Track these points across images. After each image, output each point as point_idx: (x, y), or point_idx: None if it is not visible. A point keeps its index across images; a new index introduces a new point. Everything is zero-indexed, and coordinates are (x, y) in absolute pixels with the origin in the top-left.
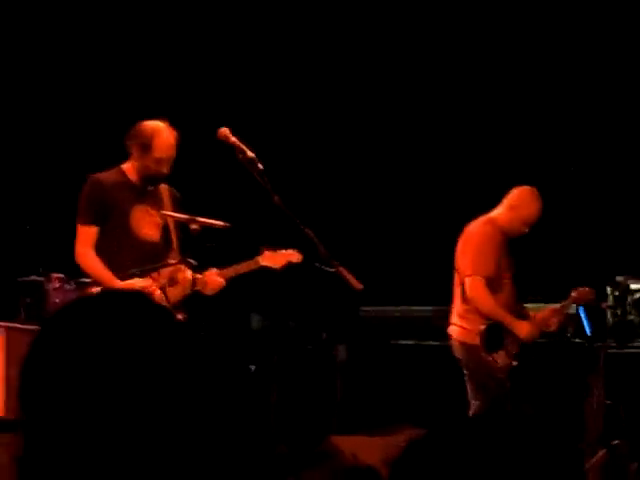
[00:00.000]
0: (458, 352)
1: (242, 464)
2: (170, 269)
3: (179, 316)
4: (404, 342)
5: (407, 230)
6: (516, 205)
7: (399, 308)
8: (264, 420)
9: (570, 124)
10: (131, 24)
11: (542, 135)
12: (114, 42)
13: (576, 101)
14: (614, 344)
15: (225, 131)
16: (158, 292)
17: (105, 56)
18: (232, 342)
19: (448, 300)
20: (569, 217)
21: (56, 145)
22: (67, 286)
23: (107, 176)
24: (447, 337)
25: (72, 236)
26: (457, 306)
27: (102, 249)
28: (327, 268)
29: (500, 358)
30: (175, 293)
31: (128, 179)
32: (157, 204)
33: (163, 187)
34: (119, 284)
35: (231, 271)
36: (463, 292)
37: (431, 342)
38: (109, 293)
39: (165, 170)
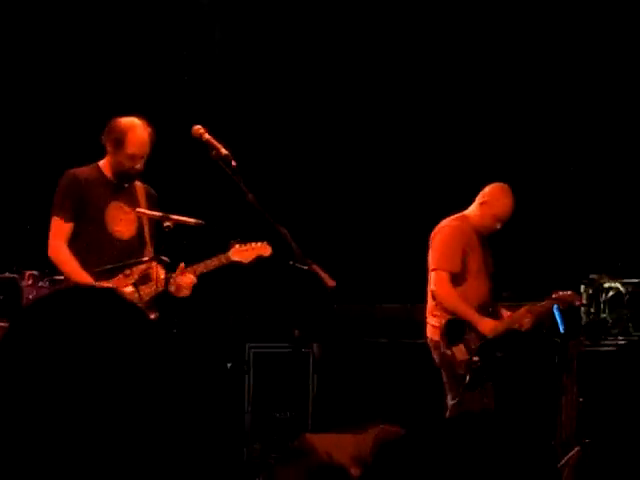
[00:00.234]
0: (431, 349)
1: (215, 460)
2: (143, 267)
3: (151, 314)
4: (378, 340)
5: (381, 227)
6: (487, 201)
7: (373, 305)
8: (238, 417)
9: (548, 123)
10: (112, 21)
11: (520, 135)
12: (93, 39)
13: (556, 100)
14: (587, 342)
15: (199, 128)
16: (130, 289)
17: (82, 52)
18: (207, 340)
19: (423, 298)
20: (543, 215)
21: (28, 142)
22: (41, 283)
23: (83, 171)
24: (421, 334)
25: (45, 233)
26: (429, 303)
27: (76, 244)
28: (301, 266)
29: (459, 352)
30: (148, 291)
31: (104, 175)
32: (132, 201)
33: (139, 185)
34: (89, 282)
35: (201, 267)
36: None
37: (405, 339)
38: (79, 289)
39: (138, 166)
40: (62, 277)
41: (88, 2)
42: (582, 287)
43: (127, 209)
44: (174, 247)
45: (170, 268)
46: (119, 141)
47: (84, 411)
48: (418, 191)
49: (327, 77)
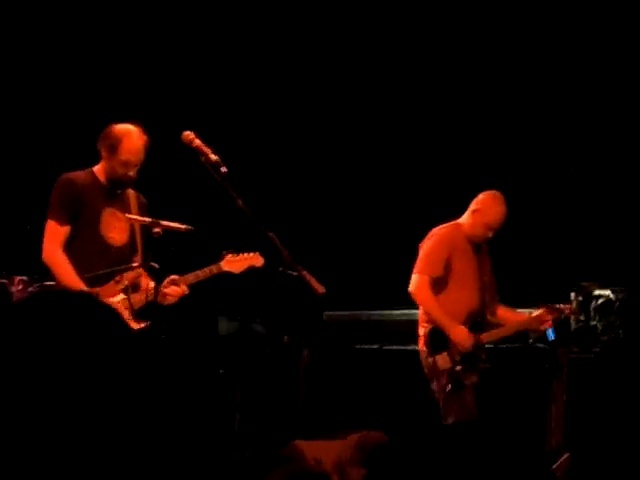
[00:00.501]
0: (420, 359)
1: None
2: (133, 274)
3: (142, 323)
4: (367, 346)
5: (370, 234)
6: (478, 209)
7: (362, 312)
8: (228, 422)
9: (544, 131)
10: (107, 28)
11: (514, 142)
12: (90, 45)
13: (551, 109)
14: (577, 349)
15: (189, 134)
16: (122, 296)
17: (80, 57)
18: (198, 346)
19: (412, 304)
20: (534, 223)
21: (21, 147)
22: (30, 288)
23: (78, 176)
24: (410, 341)
25: (35, 238)
26: (419, 312)
27: (70, 249)
28: (291, 272)
29: (441, 361)
30: (138, 299)
31: (98, 181)
32: (124, 208)
33: (131, 192)
34: (82, 287)
35: (192, 277)
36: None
37: (394, 346)
38: (58, 292)
39: (132, 174)
40: (52, 282)
41: (87, 6)
42: (572, 294)
43: (120, 215)
44: (163, 253)
45: (159, 274)
46: (113, 147)
47: (61, 408)
48: (409, 198)
49: (317, 86)
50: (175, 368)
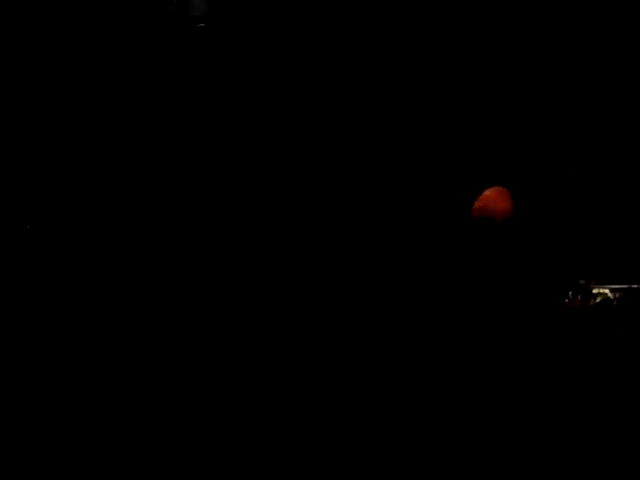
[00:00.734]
0: None
1: None
2: None
3: None
4: None
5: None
6: (482, 207)
7: None
8: None
9: (543, 128)
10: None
11: (513, 138)
12: (87, 38)
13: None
14: None
15: None
16: None
17: (77, 51)
18: None
19: None
20: (532, 220)
21: (24, 142)
22: None
23: None
24: None
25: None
26: None
27: None
28: None
29: None
30: None
31: None
32: None
33: None
34: None
35: None
36: None
37: None
38: None
39: None
40: None
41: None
42: (570, 293)
43: None
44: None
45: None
46: None
47: None
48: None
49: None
50: None
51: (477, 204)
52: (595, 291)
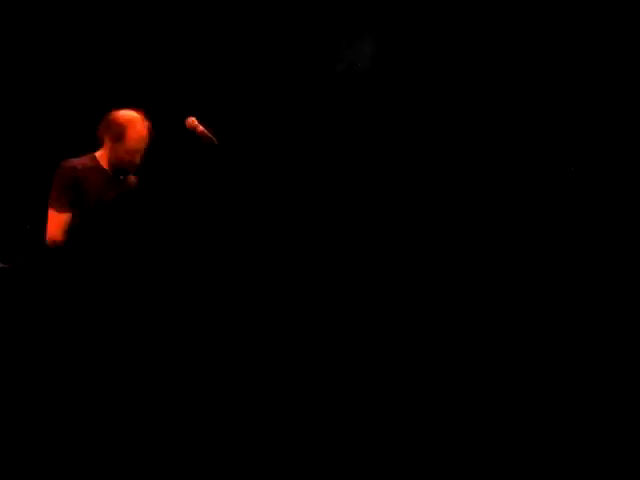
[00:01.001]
0: None
1: None
2: None
3: None
4: None
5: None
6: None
7: None
8: None
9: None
10: (103, 10)
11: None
12: (85, 29)
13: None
14: None
15: (193, 120)
16: None
17: (74, 43)
18: None
19: None
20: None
21: (25, 133)
22: None
23: (80, 162)
24: None
25: (40, 223)
26: None
27: (71, 234)
28: None
29: None
30: None
31: (100, 167)
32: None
33: (131, 178)
34: None
35: None
36: None
37: None
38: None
39: (137, 160)
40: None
41: None
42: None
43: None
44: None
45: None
46: (119, 136)
47: None
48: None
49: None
50: None
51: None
52: None
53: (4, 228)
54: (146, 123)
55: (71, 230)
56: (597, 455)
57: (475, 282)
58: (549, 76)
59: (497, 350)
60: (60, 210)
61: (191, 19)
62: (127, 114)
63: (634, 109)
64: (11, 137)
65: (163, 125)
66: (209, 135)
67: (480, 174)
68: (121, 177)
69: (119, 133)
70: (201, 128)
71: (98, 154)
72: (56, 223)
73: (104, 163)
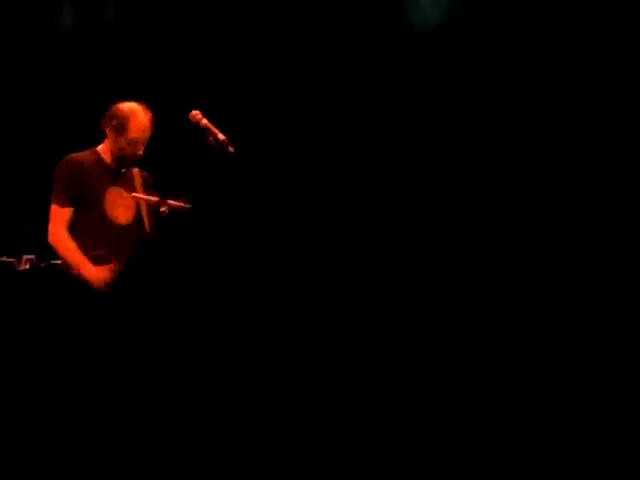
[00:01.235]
0: None
1: None
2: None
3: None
4: None
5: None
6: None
7: None
8: None
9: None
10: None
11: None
12: (88, 23)
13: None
14: None
15: (197, 114)
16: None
17: (78, 37)
18: None
19: None
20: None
21: (27, 127)
22: (38, 267)
23: (82, 156)
24: None
25: (43, 217)
26: None
27: (75, 229)
28: None
29: None
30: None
31: (103, 160)
32: (130, 186)
33: (135, 170)
34: (90, 268)
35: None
36: None
37: None
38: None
39: (140, 152)
40: (59, 261)
41: None
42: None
43: (125, 194)
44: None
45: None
46: (121, 127)
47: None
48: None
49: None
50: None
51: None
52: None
53: (5, 225)
54: (148, 114)
55: (74, 224)
56: (597, 456)
57: (474, 282)
58: (549, 76)
59: (496, 349)
60: (62, 205)
61: (193, 14)
62: (129, 105)
63: (634, 109)
64: (14, 132)
65: (167, 118)
66: (213, 128)
67: (480, 174)
68: (123, 170)
69: (121, 124)
70: (205, 121)
71: (100, 148)
72: (58, 218)
73: (106, 156)
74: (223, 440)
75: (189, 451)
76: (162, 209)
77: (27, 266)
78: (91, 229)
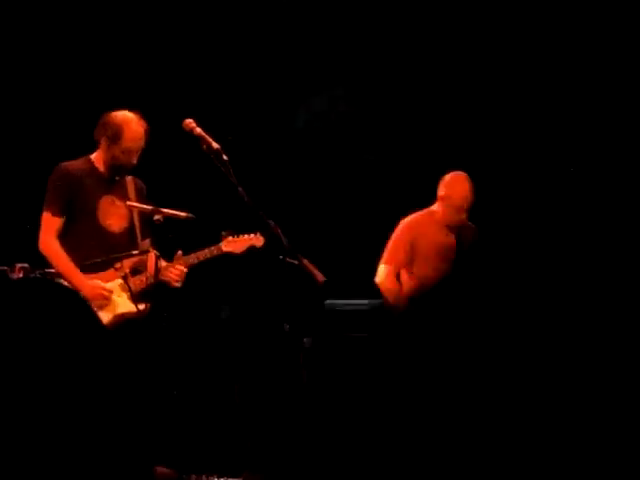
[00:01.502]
0: None
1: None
2: (134, 259)
3: (141, 305)
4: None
5: (371, 222)
6: (443, 195)
7: (364, 301)
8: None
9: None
10: (102, 13)
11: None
12: (84, 33)
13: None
14: None
15: (190, 122)
16: (119, 281)
17: (73, 46)
18: (200, 331)
19: None
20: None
21: (21, 136)
22: (31, 276)
23: (75, 165)
24: None
25: (37, 225)
26: None
27: (67, 238)
28: (291, 260)
29: None
30: (138, 282)
31: (96, 169)
32: (123, 195)
33: (129, 178)
34: (80, 277)
35: (192, 258)
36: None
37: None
38: (43, 282)
39: (134, 160)
40: (53, 270)
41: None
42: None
43: (119, 203)
44: (163, 240)
45: (167, 260)
46: (115, 136)
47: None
48: (408, 188)
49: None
50: (174, 355)
51: None
52: None
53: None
54: (142, 123)
55: (64, 233)
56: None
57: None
58: (549, 77)
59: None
60: (54, 213)
61: (189, 22)
62: (123, 114)
63: (634, 109)
64: (10, 140)
65: (161, 127)
66: (206, 137)
67: (480, 174)
68: (117, 178)
69: (115, 133)
70: (198, 130)
71: (93, 156)
72: (49, 226)
73: (100, 165)
74: None
75: None
76: (156, 217)
77: (21, 274)
78: (84, 237)
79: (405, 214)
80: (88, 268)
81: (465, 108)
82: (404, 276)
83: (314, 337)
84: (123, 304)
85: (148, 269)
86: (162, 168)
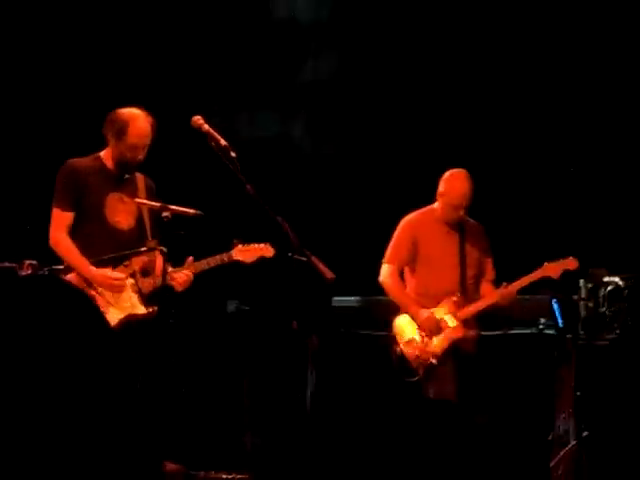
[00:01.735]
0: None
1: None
2: (143, 259)
3: (150, 307)
4: (375, 332)
5: (380, 219)
6: (442, 192)
7: (371, 298)
8: (236, 409)
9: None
10: (108, 11)
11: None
12: (90, 30)
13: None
14: (585, 336)
15: (199, 119)
16: (131, 281)
17: (81, 44)
18: (207, 327)
19: None
20: (543, 209)
21: (29, 132)
22: (40, 273)
23: (84, 162)
24: None
25: (46, 222)
26: None
27: (76, 235)
28: (299, 257)
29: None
30: (148, 283)
31: (105, 166)
32: (132, 192)
33: (138, 175)
34: (92, 271)
35: (203, 264)
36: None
37: None
38: (50, 279)
39: (140, 156)
40: (61, 266)
41: None
42: (581, 282)
43: (127, 199)
44: (172, 237)
45: (169, 258)
46: (121, 132)
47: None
48: (415, 185)
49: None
50: (182, 353)
51: None
52: (606, 279)
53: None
54: (148, 119)
55: (73, 230)
56: None
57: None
58: (549, 77)
59: None
60: (63, 209)
61: (199, 20)
62: (129, 111)
63: (634, 109)
64: (20, 138)
65: (168, 123)
66: (214, 134)
67: (480, 174)
68: (126, 176)
69: (121, 129)
70: (206, 127)
71: (102, 153)
72: (59, 222)
73: (108, 162)
74: None
75: None
76: (165, 214)
77: (29, 271)
78: (93, 235)
79: (406, 212)
80: (97, 265)
81: (467, 107)
82: (407, 274)
83: (321, 335)
84: (134, 305)
85: (156, 271)
86: (170, 165)
